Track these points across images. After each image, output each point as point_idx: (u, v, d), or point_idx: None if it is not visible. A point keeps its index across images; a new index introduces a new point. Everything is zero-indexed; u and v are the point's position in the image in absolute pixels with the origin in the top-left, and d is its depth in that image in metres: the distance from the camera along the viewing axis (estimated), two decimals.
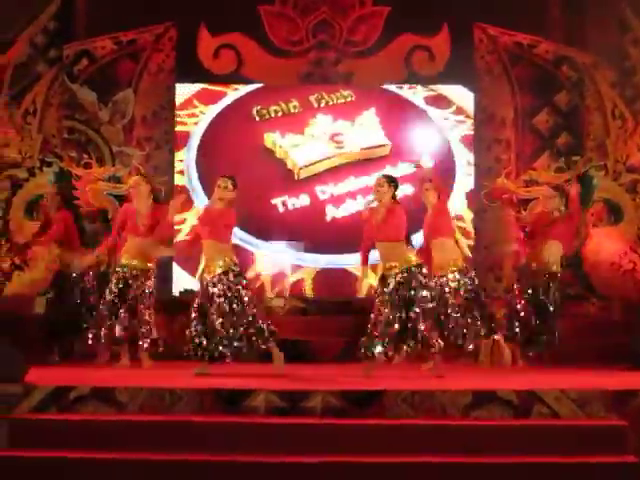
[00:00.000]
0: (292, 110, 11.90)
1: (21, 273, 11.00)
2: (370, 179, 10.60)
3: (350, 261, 11.21)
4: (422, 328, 8.01)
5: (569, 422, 6.53)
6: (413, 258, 8.20)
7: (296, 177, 11.74)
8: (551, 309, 9.42)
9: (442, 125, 11.83)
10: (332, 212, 11.74)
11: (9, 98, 11.29)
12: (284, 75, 11.83)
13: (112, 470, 6.08)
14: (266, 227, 11.61)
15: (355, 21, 11.81)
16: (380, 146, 11.77)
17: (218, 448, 6.19)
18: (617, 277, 11.00)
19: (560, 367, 9.20)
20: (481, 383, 7.57)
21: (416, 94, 11.90)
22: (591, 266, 10.95)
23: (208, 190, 10.47)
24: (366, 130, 11.81)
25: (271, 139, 11.77)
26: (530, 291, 9.49)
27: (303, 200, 11.73)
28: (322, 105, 11.91)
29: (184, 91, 11.86)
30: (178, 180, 11.66)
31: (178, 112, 11.77)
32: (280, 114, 11.88)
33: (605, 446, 6.22)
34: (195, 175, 11.69)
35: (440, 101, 11.89)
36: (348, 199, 11.71)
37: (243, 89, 11.93)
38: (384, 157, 11.73)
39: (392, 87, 11.90)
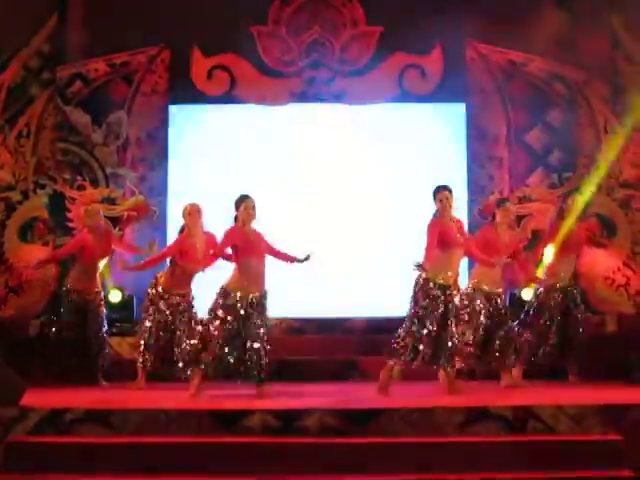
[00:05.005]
0: None
1: (16, 296, 11.01)
2: None
3: None
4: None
5: (565, 437, 6.53)
6: None
7: None
8: None
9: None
10: None
11: (3, 121, 11.30)
12: (277, 95, 11.82)
13: None
14: None
15: (348, 40, 11.82)
16: None
17: (214, 469, 6.18)
18: (611, 292, 11.06)
19: (555, 382, 9.21)
20: (477, 400, 7.56)
21: None
22: (585, 281, 10.96)
23: None
24: None
25: None
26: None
27: None
28: None
29: None
30: None
31: None
32: None
33: (601, 461, 6.23)
34: None
35: None
36: None
37: None
38: None
39: None
